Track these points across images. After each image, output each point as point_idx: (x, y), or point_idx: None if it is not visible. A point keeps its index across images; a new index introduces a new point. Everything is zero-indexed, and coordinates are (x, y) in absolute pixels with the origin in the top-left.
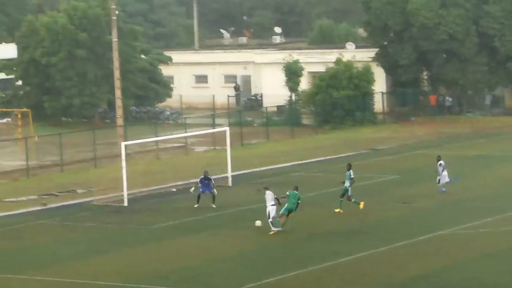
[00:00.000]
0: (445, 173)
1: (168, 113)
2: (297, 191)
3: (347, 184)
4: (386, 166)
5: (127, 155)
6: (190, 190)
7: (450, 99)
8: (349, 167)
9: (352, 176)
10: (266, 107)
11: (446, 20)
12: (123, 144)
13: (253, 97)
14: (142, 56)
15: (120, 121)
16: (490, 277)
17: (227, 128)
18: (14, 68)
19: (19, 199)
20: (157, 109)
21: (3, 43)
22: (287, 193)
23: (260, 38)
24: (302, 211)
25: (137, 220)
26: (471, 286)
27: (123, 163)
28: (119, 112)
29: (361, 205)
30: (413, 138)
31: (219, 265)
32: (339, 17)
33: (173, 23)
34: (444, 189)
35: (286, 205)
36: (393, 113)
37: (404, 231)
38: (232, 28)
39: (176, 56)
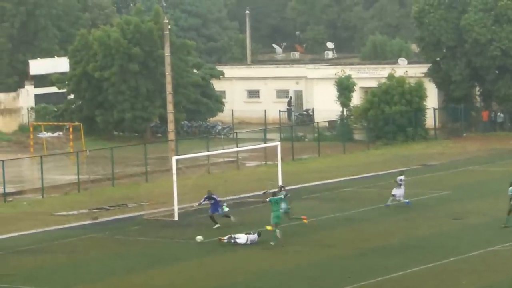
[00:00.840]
0: (402, 189)
1: (219, 127)
2: (283, 189)
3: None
4: (438, 182)
5: (178, 169)
6: (194, 205)
7: (502, 115)
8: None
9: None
10: (318, 122)
11: (499, 36)
12: (174, 158)
13: (305, 112)
14: (195, 70)
15: (171, 135)
16: None
17: (278, 143)
18: (67, 82)
19: (70, 213)
20: (208, 124)
21: (56, 57)
22: (268, 200)
23: (313, 53)
24: (352, 227)
25: (187, 234)
26: None
27: (174, 177)
28: (171, 126)
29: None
30: (464, 154)
31: (270, 280)
32: (391, 32)
33: (225, 38)
34: (408, 201)
35: (272, 213)
36: (445, 129)
37: (455, 246)
38: (285, 43)
39: (228, 70)
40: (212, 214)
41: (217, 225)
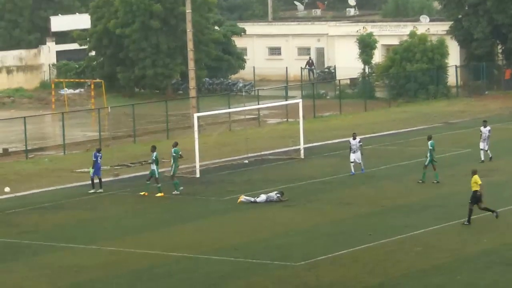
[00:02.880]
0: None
1: (241, 85)
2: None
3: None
4: (460, 140)
5: (199, 126)
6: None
7: None
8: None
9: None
10: (339, 80)
11: None
12: (195, 115)
13: (326, 70)
14: (216, 27)
15: (193, 92)
16: None
17: (300, 100)
18: (88, 39)
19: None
20: (230, 81)
21: (77, 13)
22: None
23: (334, 10)
24: (373, 184)
25: (208, 191)
26: None
27: (196, 135)
28: (192, 83)
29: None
30: (486, 112)
31: (290, 238)
32: None
33: None
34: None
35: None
36: (467, 87)
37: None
38: (306, 0)
39: (250, 28)
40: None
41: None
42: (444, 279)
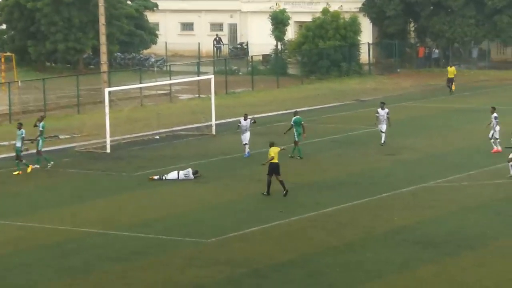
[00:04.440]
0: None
1: (153, 60)
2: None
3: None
4: (371, 118)
5: (110, 101)
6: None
7: (438, 51)
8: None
9: None
10: (252, 56)
11: None
12: (106, 90)
13: (239, 46)
14: (128, 2)
15: (104, 67)
16: (473, 229)
17: (212, 76)
18: None
19: (1, 143)
20: (142, 56)
21: None
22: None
23: None
24: (285, 161)
25: (119, 167)
26: (455, 238)
27: (107, 110)
28: (104, 58)
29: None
30: (398, 89)
31: (202, 215)
32: None
33: None
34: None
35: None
36: (379, 64)
37: (388, 182)
38: None
39: (162, 3)
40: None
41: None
42: (355, 255)
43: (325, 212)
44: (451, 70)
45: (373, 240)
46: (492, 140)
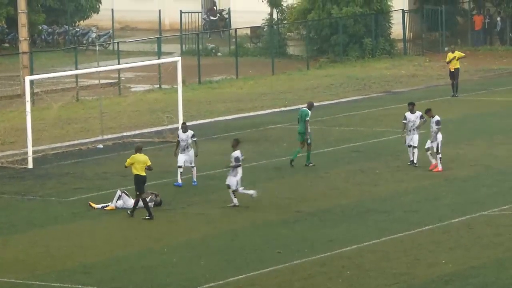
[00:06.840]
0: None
1: (94, 35)
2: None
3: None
4: None
5: (33, 95)
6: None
7: (501, 22)
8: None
9: None
10: (236, 29)
11: None
12: (27, 78)
13: (219, 15)
14: None
15: (24, 45)
16: None
17: (178, 58)
18: None
19: None
20: (78, 30)
21: None
22: None
23: None
24: (286, 180)
25: (46, 189)
26: None
27: (28, 107)
28: (24, 32)
29: None
30: (446, 77)
31: (163, 257)
32: None
33: None
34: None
35: None
36: (419, 40)
37: (431, 210)
38: None
39: None
40: None
41: None
42: None
43: (342, 253)
44: (454, 57)
45: None
46: None
